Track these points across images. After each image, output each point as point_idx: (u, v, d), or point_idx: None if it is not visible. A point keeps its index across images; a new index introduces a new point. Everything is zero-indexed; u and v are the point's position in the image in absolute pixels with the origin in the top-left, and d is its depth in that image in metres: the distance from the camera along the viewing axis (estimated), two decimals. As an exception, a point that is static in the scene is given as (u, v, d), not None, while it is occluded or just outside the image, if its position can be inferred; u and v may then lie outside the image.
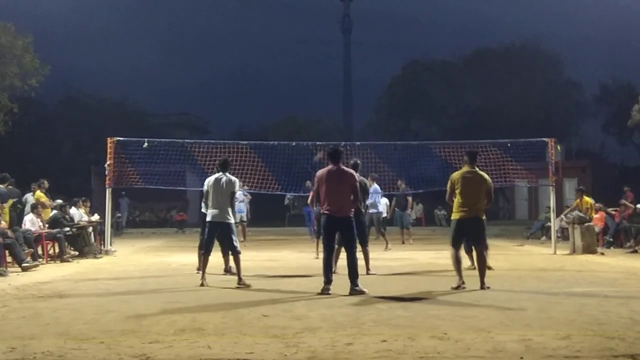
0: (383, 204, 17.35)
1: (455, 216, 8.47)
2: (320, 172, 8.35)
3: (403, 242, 17.69)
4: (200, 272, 9.09)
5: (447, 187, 8.63)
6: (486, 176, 8.65)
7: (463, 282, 8.27)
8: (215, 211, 8.95)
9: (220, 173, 9.15)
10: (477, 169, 8.64)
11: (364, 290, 7.94)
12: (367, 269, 10.10)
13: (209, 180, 9.20)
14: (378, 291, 8.12)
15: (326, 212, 8.18)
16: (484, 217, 8.53)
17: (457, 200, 8.40)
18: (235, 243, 8.93)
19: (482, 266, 8.43)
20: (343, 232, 8.29)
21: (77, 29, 70.03)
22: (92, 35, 73.56)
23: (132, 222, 29.88)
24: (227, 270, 10.26)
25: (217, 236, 9.13)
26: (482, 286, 8.23)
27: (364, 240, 10.10)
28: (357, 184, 8.39)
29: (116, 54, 74.59)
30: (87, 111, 39.18)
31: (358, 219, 10.21)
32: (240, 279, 8.77)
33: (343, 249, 9.86)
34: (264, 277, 9.88)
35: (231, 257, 9.24)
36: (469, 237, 8.63)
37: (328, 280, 8.03)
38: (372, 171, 16.05)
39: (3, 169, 14.33)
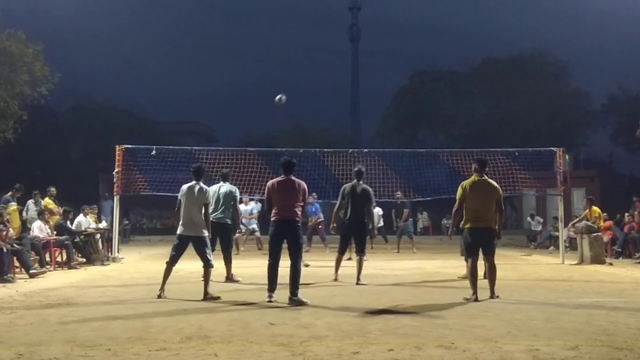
0: (376, 213, 17.42)
1: (467, 225, 8.31)
2: (270, 183, 8.32)
3: (398, 251, 17.89)
4: (161, 283, 8.61)
5: (457, 196, 8.44)
6: (496, 184, 8.50)
7: (476, 296, 8.07)
8: (185, 223, 8.49)
9: (194, 182, 8.65)
10: (486, 177, 8.51)
11: (305, 300, 7.76)
12: (358, 278, 10.04)
13: (182, 188, 8.73)
14: (385, 300, 8.10)
15: (275, 218, 8.16)
16: (495, 227, 8.35)
17: (467, 209, 8.27)
18: (208, 256, 8.50)
19: (493, 276, 8.31)
20: (289, 236, 8.10)
21: (87, 36, 70.56)
22: (101, 42, 74.16)
23: (139, 229, 29.98)
24: (229, 279, 10.27)
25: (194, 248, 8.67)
26: (492, 296, 8.19)
27: (363, 249, 10.23)
28: (306, 193, 8.33)
29: (125, 62, 75.19)
30: (95, 118, 39.40)
31: (363, 228, 10.23)
32: (206, 292, 8.31)
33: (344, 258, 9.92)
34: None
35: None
36: (481, 246, 8.41)
37: (271, 289, 8.00)
38: (380, 178, 16.07)
39: (12, 176, 14.45)
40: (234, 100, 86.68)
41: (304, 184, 8.33)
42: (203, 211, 8.55)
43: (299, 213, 8.18)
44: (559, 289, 9.63)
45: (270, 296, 7.96)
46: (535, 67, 38.49)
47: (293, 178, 8.29)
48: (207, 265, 8.50)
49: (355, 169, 10.64)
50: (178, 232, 8.62)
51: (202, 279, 8.65)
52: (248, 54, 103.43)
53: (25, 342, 5.53)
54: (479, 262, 8.33)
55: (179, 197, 8.69)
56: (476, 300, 8.00)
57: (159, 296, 8.36)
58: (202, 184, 8.65)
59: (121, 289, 9.55)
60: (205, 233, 8.56)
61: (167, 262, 8.66)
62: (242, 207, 16.63)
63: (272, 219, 8.22)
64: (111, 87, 59.69)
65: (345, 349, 5.25)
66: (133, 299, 8.42)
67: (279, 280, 8.08)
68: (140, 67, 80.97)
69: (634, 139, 28.13)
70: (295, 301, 7.74)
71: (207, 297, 8.26)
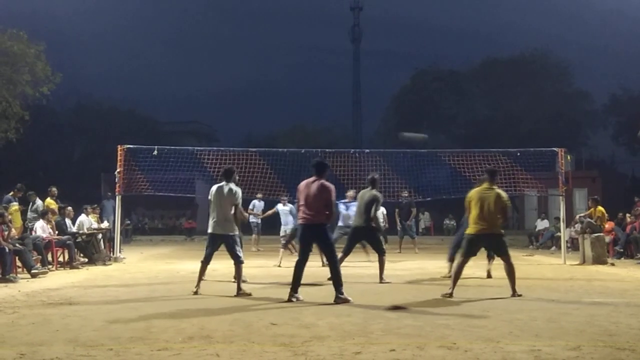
0: (381, 213, 17.36)
1: (471, 230, 8.59)
2: (300, 184, 8.36)
3: (400, 251, 17.81)
4: (197, 280, 8.88)
5: (465, 205, 8.75)
6: (504, 194, 8.72)
7: (452, 293, 8.42)
8: (215, 223, 8.76)
9: (224, 182, 8.89)
10: (495, 187, 8.74)
11: (349, 298, 7.90)
12: (381, 277, 10.25)
13: (212, 189, 8.98)
14: (387, 300, 8.10)
15: (299, 222, 8.37)
16: (502, 231, 8.62)
17: (472, 214, 8.53)
18: (238, 253, 8.75)
19: (512, 276, 8.59)
20: (315, 241, 8.32)
21: (88, 36, 70.44)
22: (102, 43, 74.08)
23: (141, 230, 30.01)
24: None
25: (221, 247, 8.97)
26: (514, 294, 8.45)
27: (380, 250, 10.45)
28: (333, 198, 8.24)
29: (126, 62, 75.24)
30: (97, 118, 39.45)
31: (372, 231, 10.48)
32: (239, 288, 8.62)
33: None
34: (272, 285, 9.88)
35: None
36: (492, 251, 8.77)
37: (293, 288, 8.11)
38: (381, 178, 16.05)
39: (14, 176, 14.45)
40: (234, 100, 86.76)
41: (328, 187, 8.15)
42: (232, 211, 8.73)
43: (321, 216, 8.10)
44: (561, 289, 9.63)
45: (291, 295, 8.02)
46: (537, 67, 38.52)
47: (320, 181, 8.19)
48: (238, 262, 8.74)
49: (369, 176, 10.86)
50: (209, 230, 8.90)
51: (234, 279, 8.98)
52: (249, 54, 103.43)
53: (28, 342, 5.54)
54: (484, 263, 8.43)
55: (209, 198, 8.96)
56: (451, 296, 8.34)
57: (195, 292, 8.63)
58: (231, 185, 8.83)
59: (123, 289, 9.55)
60: (236, 231, 8.81)
61: (201, 262, 8.93)
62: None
63: (298, 221, 8.48)
64: (113, 87, 59.89)
65: (347, 349, 5.25)
66: (135, 299, 8.43)
67: (277, 280, 8.10)
68: (141, 67, 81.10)
69: (636, 139, 28.14)
70: (340, 299, 7.86)
71: (239, 293, 8.50)
